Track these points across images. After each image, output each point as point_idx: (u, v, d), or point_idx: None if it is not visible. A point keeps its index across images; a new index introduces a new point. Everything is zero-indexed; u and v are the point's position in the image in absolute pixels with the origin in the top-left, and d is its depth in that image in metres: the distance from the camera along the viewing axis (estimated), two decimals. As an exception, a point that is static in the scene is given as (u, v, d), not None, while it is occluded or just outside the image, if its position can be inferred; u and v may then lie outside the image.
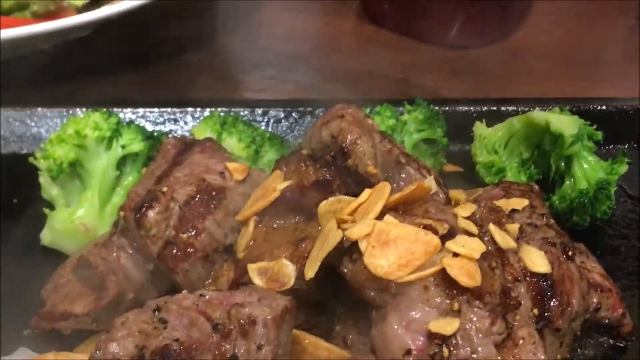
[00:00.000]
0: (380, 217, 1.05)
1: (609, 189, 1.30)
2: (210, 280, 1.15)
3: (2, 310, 1.20)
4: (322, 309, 1.11)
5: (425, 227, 1.03)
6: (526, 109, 1.43)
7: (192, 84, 1.68)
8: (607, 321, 1.16)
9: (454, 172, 1.42)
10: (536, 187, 1.28)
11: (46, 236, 1.29)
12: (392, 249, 1.01)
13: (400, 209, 1.08)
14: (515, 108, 1.45)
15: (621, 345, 1.18)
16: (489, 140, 1.37)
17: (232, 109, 1.42)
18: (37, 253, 1.29)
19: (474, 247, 1.02)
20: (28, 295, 1.21)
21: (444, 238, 1.03)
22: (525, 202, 1.21)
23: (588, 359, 1.17)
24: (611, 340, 1.18)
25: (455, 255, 1.01)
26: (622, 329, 1.17)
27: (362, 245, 1.01)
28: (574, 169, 1.31)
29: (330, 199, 1.12)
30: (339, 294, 1.09)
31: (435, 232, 1.03)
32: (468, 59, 1.76)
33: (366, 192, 1.09)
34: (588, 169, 1.31)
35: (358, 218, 1.06)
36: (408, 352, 0.99)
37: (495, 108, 1.46)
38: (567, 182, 1.32)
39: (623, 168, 1.31)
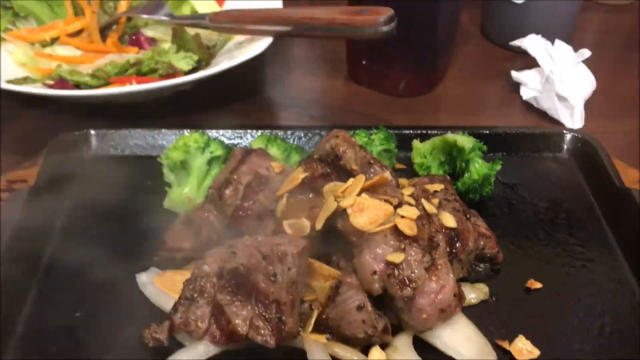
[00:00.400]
0: (359, 194, 1.05)
1: (490, 179, 1.29)
2: (261, 229, 1.14)
3: (141, 247, 1.20)
4: (324, 247, 1.10)
5: (385, 200, 1.03)
6: (443, 132, 1.41)
7: (250, 116, 1.67)
8: (488, 255, 1.16)
9: (401, 169, 1.41)
10: (448, 177, 1.28)
11: (166, 203, 1.28)
12: (366, 213, 1.01)
13: (370, 190, 1.08)
14: (436, 132, 1.43)
15: (496, 269, 1.18)
16: (421, 150, 1.37)
17: (274, 131, 1.41)
18: (162, 213, 1.28)
19: (413, 212, 1.02)
20: (156, 237, 1.21)
21: (396, 207, 1.03)
22: (442, 185, 1.21)
23: (477, 277, 1.16)
24: (490, 266, 1.18)
25: (402, 217, 1.01)
26: (497, 259, 1.17)
27: (349, 211, 1.02)
28: (470, 167, 1.30)
29: (330, 184, 1.11)
30: (334, 238, 1.09)
31: (391, 203, 1.03)
32: (410, 103, 1.75)
33: (350, 180, 1.09)
34: (478, 167, 1.30)
35: (346, 195, 1.06)
36: (374, 272, 0.99)
37: (425, 132, 1.45)
38: (466, 175, 1.31)
39: (498, 167, 1.31)
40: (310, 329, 1.00)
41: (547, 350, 1.04)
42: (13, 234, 1.14)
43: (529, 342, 1.04)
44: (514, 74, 1.77)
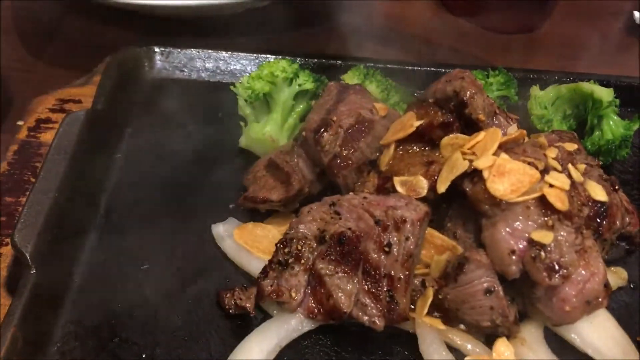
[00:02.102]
0: (496, 153, 0.85)
1: (628, 140, 1.09)
2: (359, 183, 0.96)
3: (214, 191, 1.03)
4: (437, 210, 0.92)
5: (529, 163, 0.83)
6: (565, 79, 1.20)
7: (327, 44, 1.46)
8: (629, 233, 0.96)
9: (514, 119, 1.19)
10: (575, 134, 1.07)
11: (243, 141, 1.10)
12: (507, 178, 0.82)
13: (505, 148, 0.88)
14: (557, 77, 1.21)
15: (633, 249, 0.98)
16: (542, 99, 1.16)
17: (371, 64, 1.19)
18: (237, 152, 1.11)
19: (564, 181, 0.83)
20: (231, 181, 1.05)
21: (542, 173, 0.83)
22: (575, 145, 1.00)
23: (614, 257, 0.97)
24: (628, 245, 0.98)
25: (551, 186, 0.82)
26: (636, 239, 0.97)
27: (485, 174, 0.83)
28: (603, 125, 1.10)
29: (451, 135, 0.93)
30: (450, 201, 0.90)
31: (536, 167, 0.83)
32: (511, 41, 1.52)
33: (482, 134, 0.89)
34: (612, 125, 1.09)
35: (478, 152, 0.87)
36: (512, 252, 0.81)
37: (544, 77, 1.22)
38: (597, 132, 1.11)
39: (636, 126, 1.11)
40: (425, 311, 0.83)
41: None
42: (68, 167, 0.97)
43: (678, 343, 0.87)
44: (637, 14, 1.52)
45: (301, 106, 1.10)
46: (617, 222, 0.91)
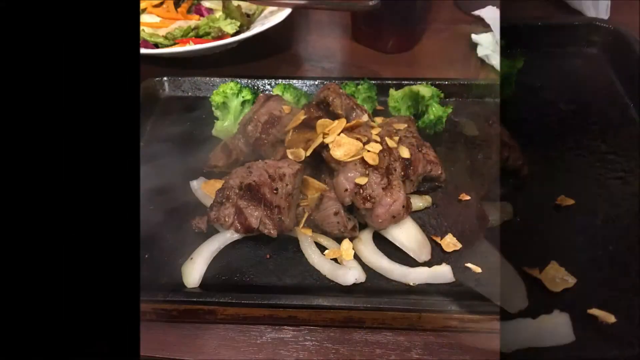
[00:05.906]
0: (339, 134, 0.94)
1: (442, 119, 1.14)
2: (274, 154, 1.05)
3: (196, 162, 1.13)
4: (316, 167, 1.01)
5: (357, 138, 0.92)
6: (412, 83, 1.24)
7: (278, 68, 1.50)
8: (433, 176, 1.02)
9: (380, 110, 1.26)
10: (412, 117, 1.14)
11: (214, 131, 1.19)
12: (342, 147, 0.91)
13: (349, 129, 0.96)
14: (408, 82, 1.26)
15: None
16: (395, 96, 1.21)
17: (290, 80, 1.26)
18: (211, 138, 1.18)
19: (376, 147, 0.92)
20: (206, 156, 1.12)
21: (365, 143, 0.92)
22: (405, 125, 1.07)
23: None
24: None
25: (368, 151, 0.91)
26: (439, 179, 1.03)
27: (330, 146, 0.91)
28: (428, 110, 1.15)
29: (321, 120, 1.00)
30: (322, 163, 0.99)
31: (361, 141, 0.92)
32: (395, 58, 1.55)
33: (335, 122, 0.97)
34: (434, 110, 1.15)
35: (330, 133, 0.95)
36: (346, 190, 0.90)
37: (399, 82, 1.27)
38: (425, 116, 1.16)
39: (449, 110, 1.15)
40: (301, 225, 0.94)
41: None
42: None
43: (454, 238, 0.95)
44: (474, 36, 1.54)
45: (246, 110, 1.18)
46: (419, 169, 0.99)
